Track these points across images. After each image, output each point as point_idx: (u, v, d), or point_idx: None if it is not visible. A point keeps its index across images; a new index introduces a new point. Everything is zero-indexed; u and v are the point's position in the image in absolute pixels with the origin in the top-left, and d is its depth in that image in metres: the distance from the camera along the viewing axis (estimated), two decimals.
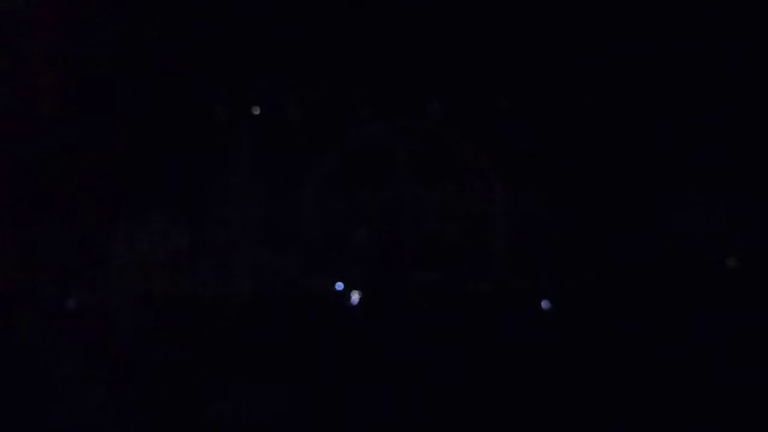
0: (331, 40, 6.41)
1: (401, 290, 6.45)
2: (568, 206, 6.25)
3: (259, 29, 6.34)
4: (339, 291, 6.46)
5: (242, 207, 6.73)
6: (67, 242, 5.58)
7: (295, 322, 5.55)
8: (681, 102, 5.81)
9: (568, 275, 5.95)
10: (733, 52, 5.83)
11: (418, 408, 4.85)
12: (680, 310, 5.20)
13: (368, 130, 6.80)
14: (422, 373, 5.08)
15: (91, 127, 5.87)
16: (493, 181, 6.53)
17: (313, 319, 5.67)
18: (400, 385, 4.98)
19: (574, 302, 5.57)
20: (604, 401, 4.76)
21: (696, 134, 5.83)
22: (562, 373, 4.99)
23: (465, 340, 5.29)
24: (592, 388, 4.87)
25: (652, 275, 5.64)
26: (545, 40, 6.10)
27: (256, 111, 6.75)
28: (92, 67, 5.86)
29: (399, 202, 6.83)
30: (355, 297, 6.26)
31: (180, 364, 5.05)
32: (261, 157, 6.75)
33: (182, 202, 6.38)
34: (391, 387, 4.97)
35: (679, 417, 4.61)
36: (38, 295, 5.12)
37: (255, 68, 6.50)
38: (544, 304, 5.61)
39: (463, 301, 5.84)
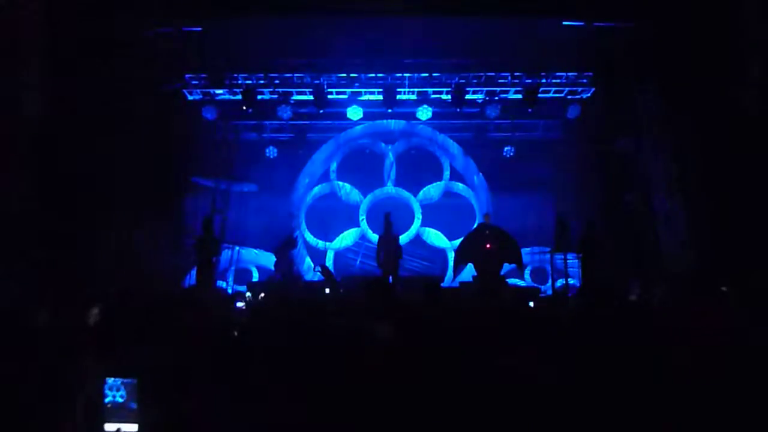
0: None
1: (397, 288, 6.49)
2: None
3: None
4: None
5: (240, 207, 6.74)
6: (63, 245, 5.51)
7: (296, 320, 5.55)
8: None
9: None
10: None
11: (416, 410, 4.86)
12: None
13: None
14: (421, 373, 5.09)
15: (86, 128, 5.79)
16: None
17: (315, 316, 5.68)
18: (397, 385, 4.99)
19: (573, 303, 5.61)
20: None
21: None
22: (561, 373, 5.03)
23: (464, 342, 5.32)
24: (593, 388, 4.92)
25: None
26: None
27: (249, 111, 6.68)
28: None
29: (392, 205, 6.87)
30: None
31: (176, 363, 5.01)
32: (259, 155, 6.76)
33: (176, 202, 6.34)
34: (389, 387, 4.98)
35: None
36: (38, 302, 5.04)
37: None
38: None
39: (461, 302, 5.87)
